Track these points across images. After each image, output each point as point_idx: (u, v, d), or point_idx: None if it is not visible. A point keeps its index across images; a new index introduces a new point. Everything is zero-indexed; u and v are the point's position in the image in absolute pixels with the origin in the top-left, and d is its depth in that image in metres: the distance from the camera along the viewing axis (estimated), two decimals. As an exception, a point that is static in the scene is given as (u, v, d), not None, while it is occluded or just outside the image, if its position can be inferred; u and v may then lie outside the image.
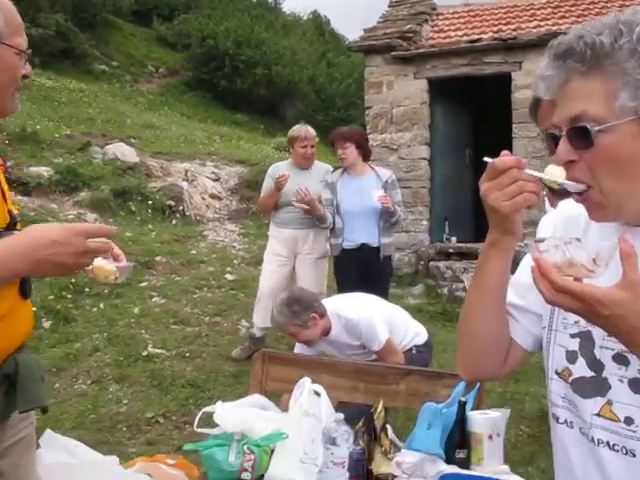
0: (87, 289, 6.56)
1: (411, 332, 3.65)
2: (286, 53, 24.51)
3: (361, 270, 4.75)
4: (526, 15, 9.82)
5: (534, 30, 8.55)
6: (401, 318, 3.71)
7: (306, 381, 2.07)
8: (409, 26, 9.19)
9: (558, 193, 1.64)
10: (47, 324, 5.91)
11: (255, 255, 8.08)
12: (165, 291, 6.79)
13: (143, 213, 8.93)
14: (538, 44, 8.26)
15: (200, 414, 2.19)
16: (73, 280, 6.53)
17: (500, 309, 1.16)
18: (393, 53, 8.72)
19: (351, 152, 4.75)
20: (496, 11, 10.43)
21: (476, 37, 8.74)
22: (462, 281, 8.10)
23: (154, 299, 6.63)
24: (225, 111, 23.38)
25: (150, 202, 9.08)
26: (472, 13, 10.62)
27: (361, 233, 4.76)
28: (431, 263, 8.35)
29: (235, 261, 7.96)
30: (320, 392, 2.05)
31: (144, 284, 6.96)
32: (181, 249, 7.98)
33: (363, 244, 4.76)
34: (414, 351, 3.58)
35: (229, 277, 7.28)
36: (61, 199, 8.89)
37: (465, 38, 8.93)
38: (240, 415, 2.05)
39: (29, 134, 10.11)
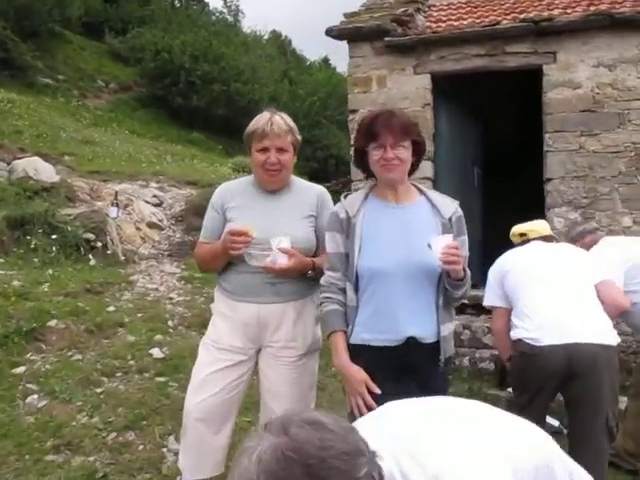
0: None
1: None
2: (246, 70, 21.97)
3: (400, 387, 2.18)
4: (542, 4, 7.51)
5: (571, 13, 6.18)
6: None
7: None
8: (403, 9, 6.75)
9: None
10: None
11: (200, 312, 5.42)
12: (51, 383, 4.05)
13: (47, 250, 6.16)
14: (578, 29, 5.92)
15: None
16: None
17: None
18: (387, 39, 6.24)
19: (408, 157, 2.24)
20: (502, 1, 8.10)
21: (497, 20, 6.32)
22: (486, 345, 5.58)
23: (29, 398, 3.89)
24: (180, 129, 20.64)
25: (58, 235, 6.31)
26: (473, 4, 8.26)
27: (405, 317, 2.18)
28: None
29: (170, 322, 5.25)
30: None
31: (20, 369, 4.21)
32: (92, 305, 5.25)
33: (409, 339, 2.17)
34: None
35: (156, 353, 4.58)
36: None
37: (480, 21, 6.52)
38: None
39: None
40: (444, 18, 7.82)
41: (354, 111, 6.47)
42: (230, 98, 20.30)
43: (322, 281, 2.31)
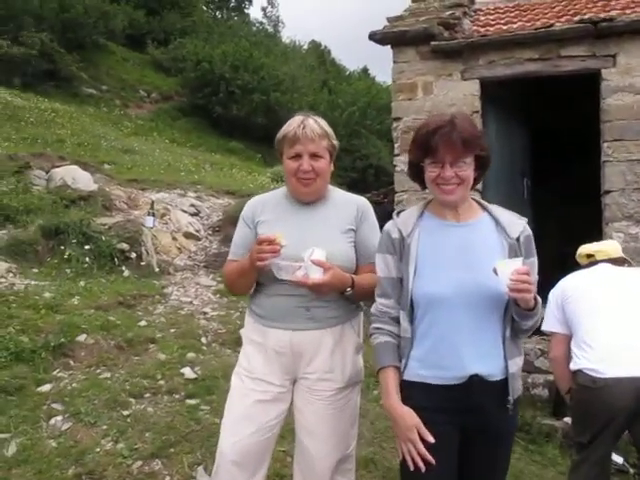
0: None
1: None
2: (286, 79, 21.85)
3: (463, 432, 1.90)
4: (597, 6, 7.06)
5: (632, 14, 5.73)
6: None
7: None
8: (450, 12, 6.40)
9: None
10: None
11: (235, 329, 5.14)
12: (77, 404, 3.82)
13: (80, 261, 5.99)
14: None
15: None
16: None
17: None
18: (433, 43, 5.90)
19: (470, 175, 1.91)
20: (553, 4, 7.66)
21: (550, 22, 5.92)
22: (540, 369, 5.15)
23: (53, 420, 3.67)
24: (220, 138, 20.62)
25: (92, 245, 6.14)
26: (521, 8, 7.85)
27: (469, 352, 1.84)
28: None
29: (204, 339, 4.98)
30: None
31: (46, 387, 4.00)
32: (124, 319, 5.02)
33: (473, 377, 1.84)
34: None
35: (188, 373, 4.31)
36: (-33, 241, 5.98)
37: (531, 24, 6.12)
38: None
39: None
40: (492, 22, 7.44)
41: (398, 119, 6.14)
42: (269, 108, 20.17)
43: (373, 309, 2.01)
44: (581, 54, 5.66)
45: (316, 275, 2.01)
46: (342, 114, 21.54)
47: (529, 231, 1.97)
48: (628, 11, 5.90)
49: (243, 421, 2.22)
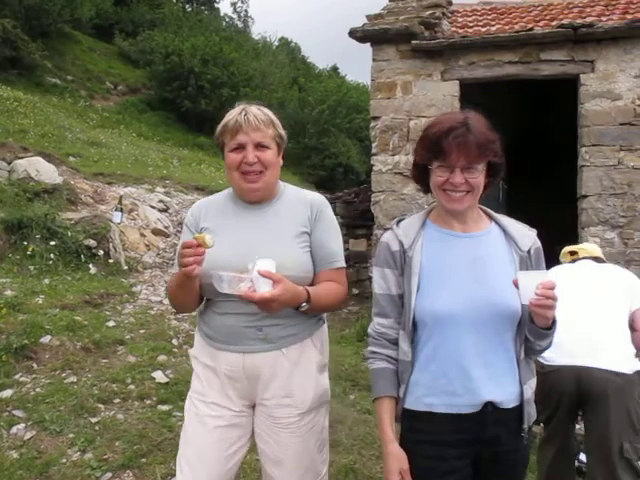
0: None
1: None
2: (255, 75, 21.59)
3: (475, 464, 1.71)
4: (573, 12, 7.06)
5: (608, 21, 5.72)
6: None
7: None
8: (430, 11, 6.30)
9: None
10: None
11: (207, 330, 4.94)
12: (40, 410, 3.57)
13: (45, 257, 5.68)
14: (620, 37, 5.47)
15: None
16: None
17: None
18: (414, 42, 5.78)
19: (481, 183, 1.69)
20: (529, 8, 7.65)
21: (528, 26, 5.87)
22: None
23: (15, 428, 3.41)
24: (188, 133, 20.24)
25: (57, 241, 5.84)
26: (498, 11, 7.82)
27: (481, 376, 1.65)
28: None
29: (175, 341, 4.76)
30: None
31: (7, 393, 3.73)
32: (91, 320, 4.76)
33: (487, 405, 1.66)
34: None
35: (159, 376, 4.09)
36: None
37: (509, 27, 6.07)
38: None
39: None
40: (470, 24, 7.39)
41: (376, 118, 6.02)
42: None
43: (370, 330, 1.80)
44: (561, 59, 5.63)
45: (264, 288, 1.72)
46: (312, 112, 21.38)
47: (539, 243, 1.80)
48: (604, 18, 5.90)
49: (201, 453, 1.95)
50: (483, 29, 6.85)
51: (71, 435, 3.41)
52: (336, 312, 7.90)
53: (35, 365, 4.10)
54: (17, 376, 3.94)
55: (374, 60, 6.08)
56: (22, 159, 7.73)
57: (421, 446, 1.67)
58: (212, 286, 1.79)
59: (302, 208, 1.99)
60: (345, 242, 9.00)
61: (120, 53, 23.27)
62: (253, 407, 2.00)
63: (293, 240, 1.93)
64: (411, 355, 1.70)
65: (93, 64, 21.80)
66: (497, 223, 1.80)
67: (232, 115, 1.93)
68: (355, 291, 8.62)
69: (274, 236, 1.92)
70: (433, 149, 1.67)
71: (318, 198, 2.06)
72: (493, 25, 7.06)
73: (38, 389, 3.82)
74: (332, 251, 1.97)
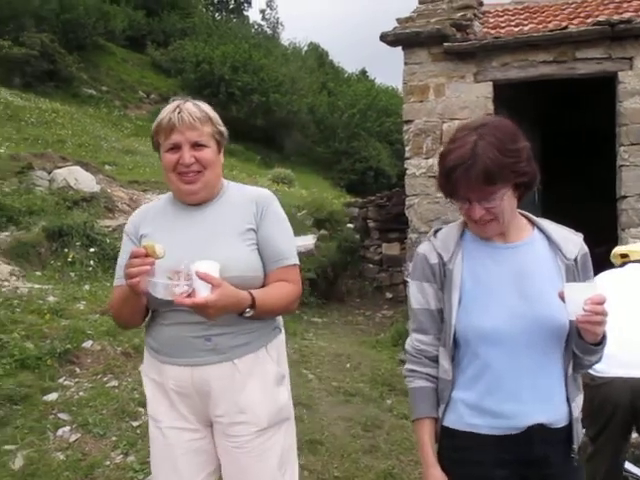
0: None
1: None
2: (285, 81, 21.70)
3: None
4: (609, 8, 6.93)
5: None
6: None
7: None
8: (461, 13, 6.26)
9: None
10: None
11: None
12: (84, 414, 3.65)
13: (85, 264, 5.81)
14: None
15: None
16: None
17: None
18: (446, 44, 5.75)
19: (505, 206, 1.55)
20: (563, 6, 7.54)
21: (562, 25, 5.79)
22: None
23: (60, 431, 3.50)
24: (219, 140, 20.43)
25: (97, 248, 5.96)
26: (531, 10, 7.72)
27: (529, 396, 1.56)
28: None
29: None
30: None
31: (52, 396, 3.82)
32: (130, 325, 4.85)
33: (534, 428, 1.55)
34: None
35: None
36: (-31, 242, 5.80)
37: (543, 26, 5.99)
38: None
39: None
40: (502, 24, 7.32)
41: (409, 121, 6.00)
42: (269, 109, 20.03)
43: (407, 346, 1.72)
44: (597, 56, 5.54)
45: (203, 293, 1.59)
46: (342, 116, 21.40)
47: (586, 249, 1.68)
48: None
49: (165, 472, 1.84)
50: (516, 29, 6.79)
51: (114, 438, 3.47)
52: (370, 317, 7.89)
53: (78, 369, 4.19)
54: (61, 380, 4.02)
55: (406, 63, 6.07)
56: (61, 168, 7.92)
57: (464, 467, 1.60)
58: (163, 303, 1.66)
59: (247, 204, 1.85)
60: (378, 246, 9.01)
61: (152, 63, 23.68)
62: (211, 425, 1.83)
63: (237, 238, 1.79)
64: (452, 373, 1.62)
65: (127, 74, 22.25)
66: (540, 229, 1.68)
67: (165, 113, 1.79)
68: (389, 295, 8.61)
69: (216, 236, 1.78)
70: (445, 187, 1.58)
71: (264, 193, 1.91)
72: (526, 24, 6.99)
73: (81, 393, 3.90)
74: (281, 248, 1.83)
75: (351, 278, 8.59)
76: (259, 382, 1.80)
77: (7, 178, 7.25)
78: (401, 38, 5.99)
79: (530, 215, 1.73)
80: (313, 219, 8.65)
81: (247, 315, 1.70)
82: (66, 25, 19.94)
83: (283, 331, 1.94)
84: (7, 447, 3.30)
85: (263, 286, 1.79)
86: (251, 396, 1.78)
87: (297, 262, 1.87)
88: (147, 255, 1.59)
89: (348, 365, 5.08)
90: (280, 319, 1.93)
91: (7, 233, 6.08)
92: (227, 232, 1.79)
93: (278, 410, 1.83)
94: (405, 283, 7.82)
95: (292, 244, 1.89)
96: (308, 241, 7.31)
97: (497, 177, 1.48)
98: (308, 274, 6.77)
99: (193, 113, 1.76)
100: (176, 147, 1.76)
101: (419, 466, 3.46)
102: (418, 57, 6.00)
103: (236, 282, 1.67)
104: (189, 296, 1.59)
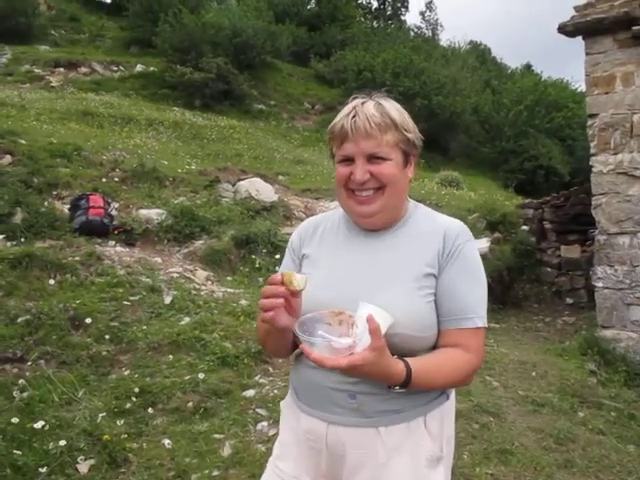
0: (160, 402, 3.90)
1: None
2: (447, 82, 21.36)
3: None
4: None
5: None
6: None
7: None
8: (652, -6, 5.71)
9: None
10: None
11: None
12: (278, 410, 3.87)
13: (270, 270, 6.21)
14: None
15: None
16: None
17: None
18: (635, 28, 5.30)
19: None
20: None
21: None
22: None
23: (259, 425, 3.78)
24: (383, 146, 20.65)
25: (280, 255, 6.34)
26: None
27: None
28: None
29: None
30: None
31: (250, 393, 4.14)
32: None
33: None
34: None
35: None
36: (169, 250, 6.47)
37: None
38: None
39: (148, 170, 7.91)
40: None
41: (594, 115, 5.61)
42: (432, 112, 19.82)
43: None
44: None
45: (358, 348, 1.27)
46: (508, 114, 20.56)
47: None
48: None
49: None
50: None
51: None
52: (550, 323, 7.47)
53: (271, 369, 4.49)
54: (257, 377, 4.34)
55: (587, 54, 5.68)
56: (243, 180, 8.55)
57: None
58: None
59: (433, 239, 1.48)
60: (556, 248, 8.51)
61: (316, 75, 24.62)
62: None
63: (411, 284, 1.43)
64: None
65: (292, 88, 23.38)
66: None
67: (340, 117, 1.51)
68: (569, 301, 8.09)
69: (390, 277, 1.44)
70: None
71: (457, 227, 1.52)
72: None
73: (275, 391, 4.18)
74: (466, 304, 1.44)
75: (528, 282, 8.22)
76: (408, 461, 1.45)
77: (198, 191, 7.98)
78: (581, 27, 5.62)
79: None
80: (485, 222, 8.41)
81: (395, 391, 1.40)
82: (237, 47, 21.47)
83: (453, 396, 1.57)
84: (216, 436, 3.64)
85: (434, 347, 1.46)
86: (395, 474, 1.44)
87: (484, 324, 1.48)
88: (283, 283, 1.34)
89: (534, 373, 4.86)
90: None
91: (202, 241, 6.70)
92: (403, 275, 1.45)
93: None
94: (588, 288, 7.30)
95: (482, 301, 1.49)
96: (482, 245, 7.13)
97: None
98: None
99: (371, 117, 1.46)
100: (349, 159, 1.49)
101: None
102: (602, 45, 5.59)
103: (397, 340, 1.37)
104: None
